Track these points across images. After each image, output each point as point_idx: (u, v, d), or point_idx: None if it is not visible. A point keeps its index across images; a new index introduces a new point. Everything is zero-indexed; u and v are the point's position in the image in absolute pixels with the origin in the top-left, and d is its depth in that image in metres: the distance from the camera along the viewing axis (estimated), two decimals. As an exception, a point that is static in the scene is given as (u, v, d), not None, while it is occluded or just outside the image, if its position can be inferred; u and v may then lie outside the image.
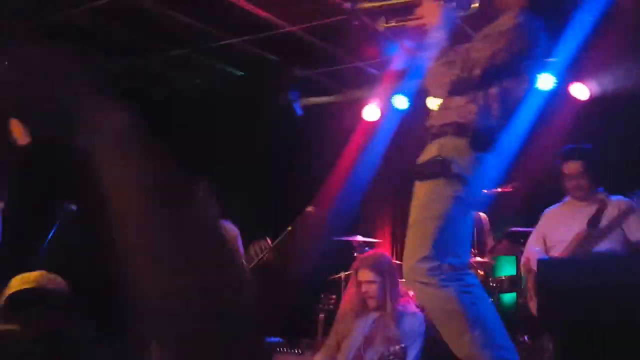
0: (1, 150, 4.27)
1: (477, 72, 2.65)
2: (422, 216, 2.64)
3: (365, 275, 3.85)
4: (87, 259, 5.44)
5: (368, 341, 3.77)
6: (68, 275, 5.58)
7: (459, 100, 2.72)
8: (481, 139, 2.67)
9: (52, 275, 2.50)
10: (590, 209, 4.02)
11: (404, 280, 2.79)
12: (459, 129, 2.67)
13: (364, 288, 3.83)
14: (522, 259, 4.25)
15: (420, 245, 2.59)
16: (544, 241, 4.20)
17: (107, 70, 6.14)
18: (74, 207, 4.70)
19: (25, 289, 2.31)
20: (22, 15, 5.02)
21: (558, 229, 4.12)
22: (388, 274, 3.86)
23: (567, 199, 4.25)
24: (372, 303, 3.81)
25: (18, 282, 2.37)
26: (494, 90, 2.69)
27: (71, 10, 5.09)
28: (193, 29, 5.47)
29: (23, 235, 4.79)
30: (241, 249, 4.76)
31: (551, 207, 4.33)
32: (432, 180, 2.64)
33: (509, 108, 2.75)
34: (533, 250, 4.19)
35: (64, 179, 5.60)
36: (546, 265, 2.88)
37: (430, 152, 2.70)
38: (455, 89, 2.72)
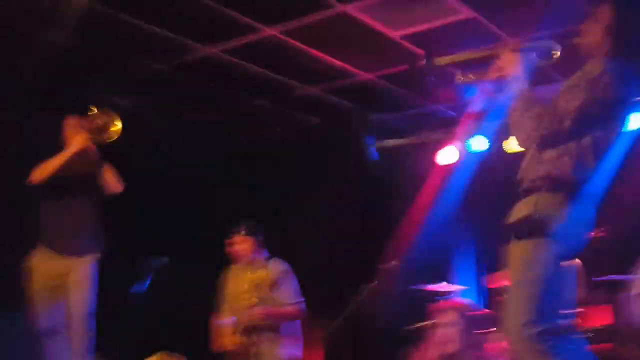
0: (99, 198, 4.47)
1: (567, 123, 2.57)
2: (522, 277, 2.55)
3: (445, 316, 3.73)
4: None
5: None
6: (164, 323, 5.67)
7: (551, 153, 2.64)
8: (577, 191, 2.58)
9: None
10: None
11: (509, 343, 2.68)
12: (554, 184, 2.59)
13: (442, 330, 3.71)
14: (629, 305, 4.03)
15: (524, 308, 2.50)
16: None
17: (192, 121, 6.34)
18: (166, 260, 4.86)
19: None
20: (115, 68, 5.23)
21: None
22: (471, 322, 3.74)
23: None
24: (448, 348, 3.68)
25: None
26: (586, 139, 2.60)
27: (159, 65, 5.28)
28: (271, 80, 5.57)
29: (118, 286, 4.95)
30: (296, 288, 4.80)
31: None
32: (531, 239, 2.55)
33: (602, 155, 2.64)
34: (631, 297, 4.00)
35: (156, 231, 5.80)
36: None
37: (525, 208, 2.62)
38: (546, 143, 2.64)
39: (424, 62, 3.03)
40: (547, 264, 2.52)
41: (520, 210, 2.64)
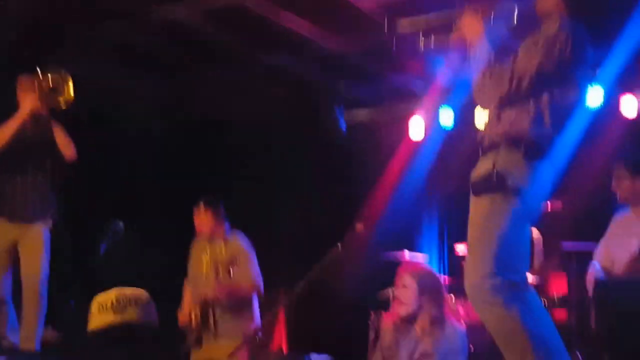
0: (52, 165, 4.39)
1: (525, 83, 2.64)
2: (481, 232, 2.62)
3: (401, 279, 3.84)
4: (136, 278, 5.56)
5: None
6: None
7: (509, 112, 2.70)
8: (535, 148, 2.64)
9: (133, 295, 2.20)
10: None
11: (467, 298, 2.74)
12: (512, 141, 2.65)
13: (397, 292, 3.80)
14: (587, 276, 4.14)
15: (482, 262, 2.57)
16: (607, 255, 4.09)
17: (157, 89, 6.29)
18: (121, 225, 4.70)
19: (112, 327, 2.11)
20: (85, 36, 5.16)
21: (619, 243, 4.02)
22: (427, 284, 3.82)
23: (628, 211, 4.16)
24: (402, 310, 3.77)
25: (100, 312, 2.15)
26: (544, 98, 2.67)
27: (121, 30, 5.20)
28: (237, 49, 5.56)
29: (74, 252, 4.90)
30: (254, 266, 4.78)
31: (616, 218, 4.22)
32: (489, 195, 2.61)
33: (561, 116, 2.72)
34: (594, 267, 4.10)
35: (112, 196, 5.76)
36: (604, 285, 2.83)
37: (484, 166, 2.68)
38: (505, 102, 2.70)
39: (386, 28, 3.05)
40: (505, 218, 2.58)
41: (480, 167, 2.70)
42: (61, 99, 4.35)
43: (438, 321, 3.76)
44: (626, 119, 5.47)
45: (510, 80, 2.64)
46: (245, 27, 5.15)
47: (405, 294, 3.79)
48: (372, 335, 4.03)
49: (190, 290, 4.93)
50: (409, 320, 3.81)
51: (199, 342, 4.72)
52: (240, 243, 4.86)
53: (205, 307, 4.70)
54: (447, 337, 3.74)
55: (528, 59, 2.64)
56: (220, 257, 4.77)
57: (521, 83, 2.63)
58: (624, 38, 4.72)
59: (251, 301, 4.84)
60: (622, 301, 2.47)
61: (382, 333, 3.96)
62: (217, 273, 4.75)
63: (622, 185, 4.10)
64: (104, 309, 2.15)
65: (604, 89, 5.41)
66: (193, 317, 4.70)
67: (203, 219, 4.83)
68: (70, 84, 4.34)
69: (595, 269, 4.07)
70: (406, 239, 6.38)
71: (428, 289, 3.79)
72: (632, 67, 5.19)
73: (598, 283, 2.85)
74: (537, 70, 2.62)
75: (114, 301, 2.16)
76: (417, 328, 3.78)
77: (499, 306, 2.51)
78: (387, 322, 3.97)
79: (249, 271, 4.76)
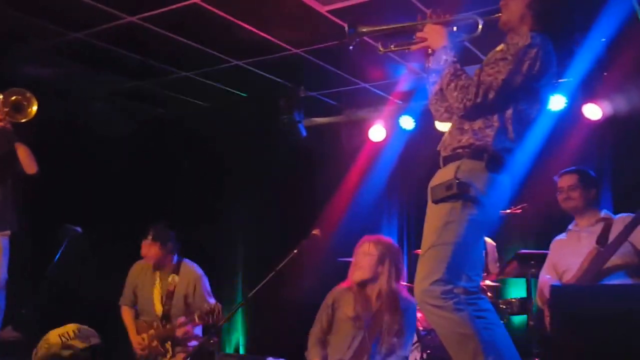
0: (13, 178, 4.41)
1: (492, 95, 2.64)
2: (437, 239, 2.62)
3: (362, 247, 3.82)
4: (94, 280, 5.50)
5: (372, 330, 3.74)
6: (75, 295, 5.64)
7: (473, 123, 2.71)
8: (498, 160, 2.67)
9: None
10: (596, 229, 4.04)
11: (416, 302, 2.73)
12: (475, 152, 2.67)
13: (357, 259, 3.79)
14: (537, 291, 4.22)
15: (435, 267, 2.57)
16: (555, 270, 4.19)
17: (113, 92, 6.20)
18: (79, 229, 4.80)
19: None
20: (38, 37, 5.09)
21: (567, 256, 4.11)
22: (387, 254, 3.83)
23: (572, 226, 4.24)
24: (358, 275, 3.77)
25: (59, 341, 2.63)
26: (509, 111, 2.69)
27: (79, 34, 5.13)
28: (198, 53, 5.48)
29: (32, 258, 4.88)
30: (206, 289, 4.81)
31: (557, 237, 4.33)
32: (449, 203, 2.62)
33: (524, 129, 2.75)
34: (544, 278, 4.17)
35: (70, 203, 5.70)
36: (558, 291, 2.85)
37: (445, 174, 2.70)
38: (470, 114, 2.70)
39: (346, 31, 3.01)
40: (462, 227, 2.60)
41: (442, 175, 2.72)
42: (22, 118, 4.44)
43: (392, 293, 3.77)
44: (588, 124, 5.54)
45: (477, 93, 2.64)
46: (205, 29, 5.07)
47: (364, 260, 3.80)
48: (328, 300, 4.04)
49: (130, 312, 4.92)
50: (364, 285, 3.81)
51: None
52: (190, 270, 4.86)
53: (164, 340, 4.68)
54: (403, 310, 3.76)
55: (496, 72, 2.64)
56: (175, 290, 4.75)
57: (487, 95, 2.63)
58: (585, 48, 4.80)
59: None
60: (577, 306, 2.49)
61: (337, 297, 3.95)
62: (173, 306, 4.74)
63: (573, 195, 4.16)
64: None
65: (567, 97, 5.48)
66: (148, 344, 4.69)
67: (150, 250, 4.79)
68: (34, 106, 4.44)
69: (546, 278, 4.14)
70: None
71: (388, 259, 3.80)
72: (594, 76, 5.26)
73: (553, 289, 2.87)
74: (504, 83, 2.62)
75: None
76: (373, 296, 3.78)
77: (448, 311, 2.52)
78: (342, 288, 3.97)
79: (205, 296, 4.77)
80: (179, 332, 4.62)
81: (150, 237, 4.77)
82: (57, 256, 4.69)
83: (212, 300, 4.70)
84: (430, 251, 2.62)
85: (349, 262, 5.24)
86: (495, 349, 2.50)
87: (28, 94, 4.46)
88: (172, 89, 6.40)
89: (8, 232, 4.51)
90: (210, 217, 6.81)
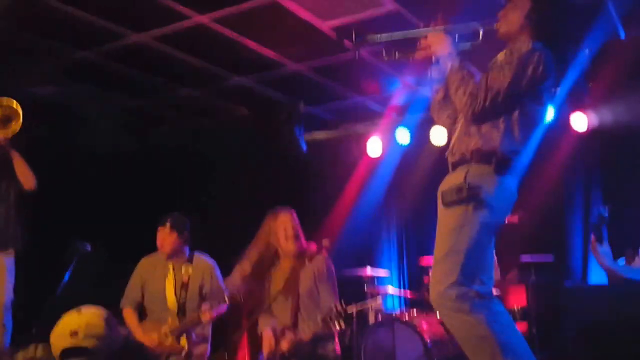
0: (13, 194, 4.36)
1: (499, 99, 2.70)
2: (451, 242, 2.67)
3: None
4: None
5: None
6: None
7: (481, 127, 2.77)
8: (505, 163, 2.73)
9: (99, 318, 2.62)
10: None
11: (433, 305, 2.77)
12: (484, 155, 2.73)
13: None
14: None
15: (450, 271, 2.62)
16: None
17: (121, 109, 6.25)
18: (88, 246, 4.70)
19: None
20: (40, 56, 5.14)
21: None
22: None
23: None
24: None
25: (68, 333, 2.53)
26: (515, 114, 2.75)
27: (86, 53, 5.22)
28: (201, 69, 5.58)
29: (40, 275, 4.84)
30: (220, 279, 4.71)
31: None
32: (460, 206, 2.67)
33: (529, 131, 2.80)
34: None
35: (79, 218, 5.70)
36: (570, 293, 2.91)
37: (455, 178, 2.75)
38: (478, 118, 2.76)
39: (351, 41, 3.07)
40: (474, 230, 2.64)
41: (451, 180, 2.76)
42: (9, 131, 4.30)
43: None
44: (576, 134, 5.67)
45: (485, 97, 2.69)
46: (209, 46, 5.17)
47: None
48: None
49: (133, 314, 4.74)
50: None
51: None
52: (203, 260, 4.77)
53: (181, 333, 4.49)
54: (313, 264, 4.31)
55: (502, 76, 2.70)
56: (186, 278, 4.64)
57: (495, 99, 2.69)
58: (574, 59, 4.93)
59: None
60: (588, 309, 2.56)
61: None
62: (185, 295, 4.61)
63: None
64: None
65: (555, 107, 5.61)
66: (165, 341, 4.48)
67: (167, 238, 4.68)
68: (20, 118, 4.29)
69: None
70: (366, 255, 6.46)
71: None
72: (581, 86, 5.39)
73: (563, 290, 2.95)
74: (510, 86, 2.68)
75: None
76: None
77: (466, 313, 2.57)
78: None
79: (221, 289, 4.63)
80: (205, 317, 4.40)
81: (168, 225, 4.66)
82: (67, 275, 4.58)
83: (227, 294, 4.56)
84: (445, 255, 2.67)
85: (353, 275, 5.35)
86: (513, 350, 2.55)
87: (15, 106, 4.30)
88: (173, 105, 6.48)
89: (12, 251, 4.41)
90: (210, 233, 6.85)
